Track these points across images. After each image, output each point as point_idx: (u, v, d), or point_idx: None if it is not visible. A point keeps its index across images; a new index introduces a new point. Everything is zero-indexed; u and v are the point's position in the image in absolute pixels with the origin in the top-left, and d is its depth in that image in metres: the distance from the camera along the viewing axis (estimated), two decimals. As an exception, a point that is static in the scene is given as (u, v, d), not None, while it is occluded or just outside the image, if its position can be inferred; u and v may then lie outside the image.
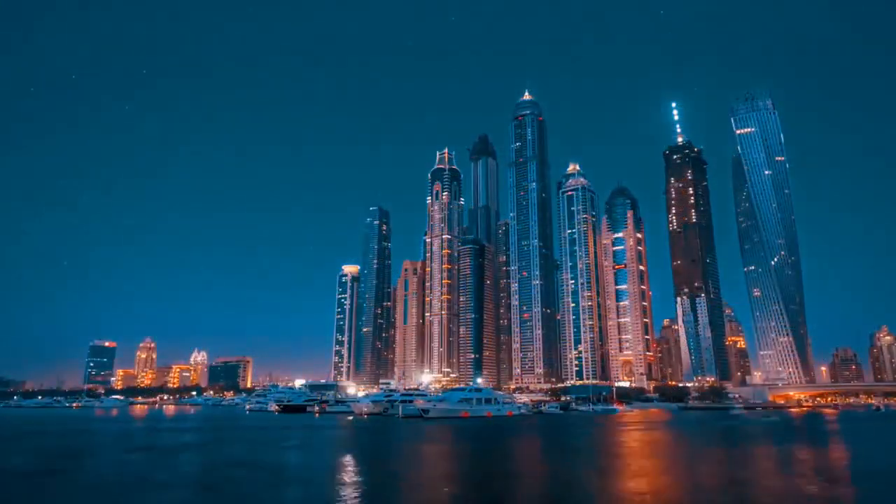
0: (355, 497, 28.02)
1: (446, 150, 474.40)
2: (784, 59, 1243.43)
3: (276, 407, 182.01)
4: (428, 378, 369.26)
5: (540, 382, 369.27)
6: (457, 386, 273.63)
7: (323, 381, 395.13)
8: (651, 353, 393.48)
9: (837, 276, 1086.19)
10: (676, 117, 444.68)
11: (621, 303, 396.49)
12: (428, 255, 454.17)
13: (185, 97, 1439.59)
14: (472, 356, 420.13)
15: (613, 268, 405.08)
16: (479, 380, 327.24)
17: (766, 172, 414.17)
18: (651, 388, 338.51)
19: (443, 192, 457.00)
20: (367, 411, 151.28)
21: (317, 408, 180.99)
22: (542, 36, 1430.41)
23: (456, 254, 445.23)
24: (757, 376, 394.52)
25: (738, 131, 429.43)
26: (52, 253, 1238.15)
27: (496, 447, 59.55)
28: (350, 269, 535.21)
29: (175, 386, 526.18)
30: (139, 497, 29.42)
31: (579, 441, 71.34)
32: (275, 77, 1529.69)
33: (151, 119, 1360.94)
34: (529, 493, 31.33)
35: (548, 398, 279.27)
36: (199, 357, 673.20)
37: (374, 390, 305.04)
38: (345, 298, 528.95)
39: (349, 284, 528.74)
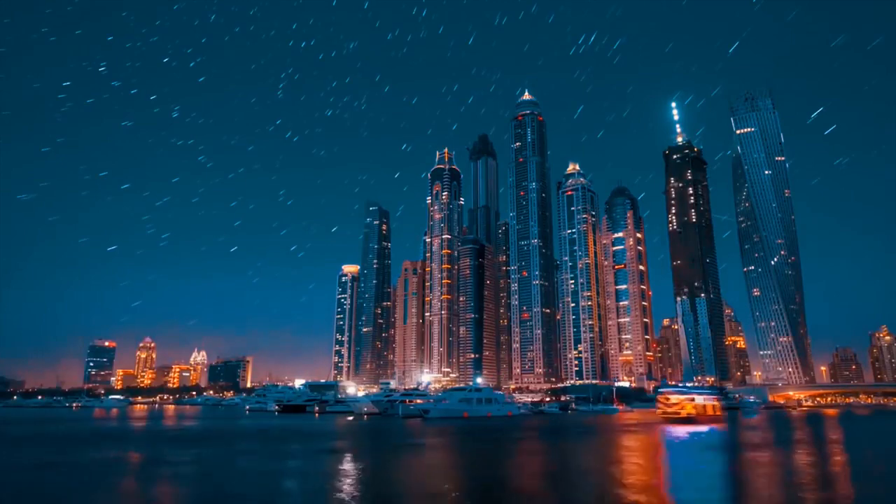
0: (357, 495, 28.04)
1: (446, 150, 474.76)
2: (784, 59, 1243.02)
3: (276, 407, 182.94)
4: (428, 378, 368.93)
5: (540, 382, 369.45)
6: (457, 386, 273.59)
7: (323, 380, 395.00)
8: (651, 353, 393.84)
9: (837, 276, 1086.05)
10: (676, 117, 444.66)
11: (621, 303, 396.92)
12: (428, 255, 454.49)
13: (180, 98, 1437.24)
14: (472, 356, 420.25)
15: (613, 268, 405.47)
16: (479, 380, 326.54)
17: (766, 172, 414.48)
18: (651, 389, 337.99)
19: (443, 192, 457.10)
20: (367, 411, 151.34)
21: (317, 408, 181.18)
22: (542, 36, 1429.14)
23: (456, 254, 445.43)
24: (757, 376, 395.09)
25: (738, 131, 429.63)
26: (53, 252, 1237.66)
27: (496, 447, 59.63)
28: (350, 269, 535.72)
29: (175, 386, 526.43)
30: None
31: (576, 439, 71.42)
32: (276, 76, 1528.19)
33: (152, 120, 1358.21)
34: (528, 492, 31.37)
35: (548, 398, 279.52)
36: (199, 357, 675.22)
37: (374, 390, 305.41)
38: (345, 298, 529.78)
39: (349, 284, 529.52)
